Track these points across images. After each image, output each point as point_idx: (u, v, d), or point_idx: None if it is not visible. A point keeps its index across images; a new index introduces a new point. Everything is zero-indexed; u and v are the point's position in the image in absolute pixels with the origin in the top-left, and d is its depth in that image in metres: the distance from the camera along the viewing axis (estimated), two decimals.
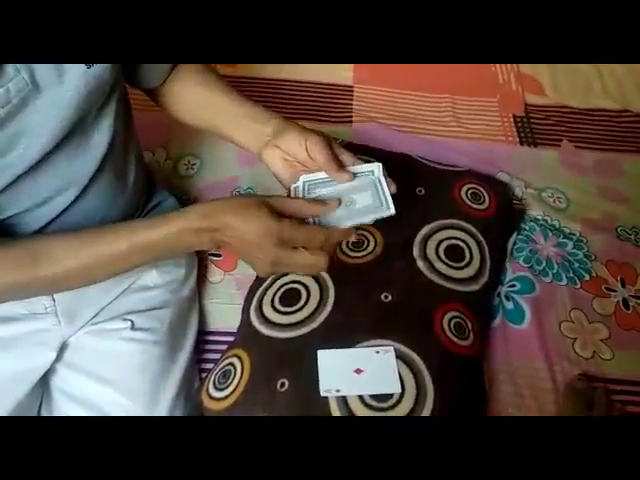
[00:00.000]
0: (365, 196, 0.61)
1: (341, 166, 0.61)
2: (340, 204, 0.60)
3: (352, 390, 0.63)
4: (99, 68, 0.54)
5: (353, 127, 1.09)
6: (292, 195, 0.63)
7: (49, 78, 0.51)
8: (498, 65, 1.24)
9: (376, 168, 0.62)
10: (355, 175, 0.62)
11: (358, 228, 0.64)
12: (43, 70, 0.50)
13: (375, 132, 1.07)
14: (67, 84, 0.52)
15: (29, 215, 0.59)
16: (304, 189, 0.62)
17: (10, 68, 0.48)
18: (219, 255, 0.88)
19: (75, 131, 0.56)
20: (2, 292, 0.56)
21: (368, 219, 0.60)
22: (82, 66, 0.53)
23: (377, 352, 0.64)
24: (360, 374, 0.64)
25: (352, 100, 1.15)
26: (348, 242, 0.76)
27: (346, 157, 0.62)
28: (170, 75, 0.70)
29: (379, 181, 0.61)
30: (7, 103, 0.49)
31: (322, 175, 0.62)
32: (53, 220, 0.60)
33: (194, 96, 0.70)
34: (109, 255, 0.56)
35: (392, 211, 0.59)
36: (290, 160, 0.64)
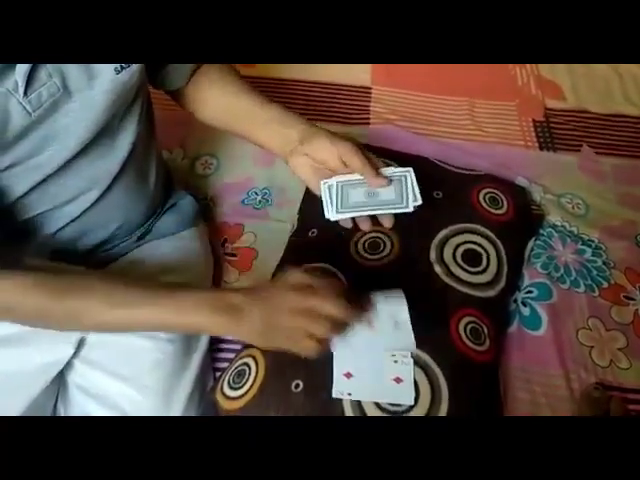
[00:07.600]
0: (389, 190, 0.64)
1: (377, 170, 0.63)
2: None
3: (364, 396, 0.63)
4: (127, 73, 0.56)
5: (370, 129, 1.09)
6: (323, 193, 0.65)
7: (80, 83, 0.52)
8: (518, 69, 1.23)
9: (408, 173, 0.65)
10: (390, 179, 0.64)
11: (375, 230, 0.65)
12: (74, 75, 0.52)
13: (392, 134, 1.07)
14: (97, 89, 0.54)
15: (53, 214, 0.60)
16: (337, 189, 0.65)
17: (43, 74, 0.49)
18: (234, 255, 0.88)
19: (102, 133, 0.58)
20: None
21: (383, 211, 0.64)
22: (111, 71, 0.54)
23: (395, 361, 0.64)
24: (374, 381, 0.63)
25: (370, 102, 1.15)
26: (365, 244, 0.76)
27: (376, 162, 0.64)
28: (193, 76, 0.71)
29: (406, 179, 0.64)
30: (39, 107, 0.50)
31: (356, 176, 0.64)
32: (75, 219, 0.61)
33: (218, 98, 0.71)
34: (128, 324, 0.59)
35: (410, 209, 0.63)
36: (319, 167, 0.65)
